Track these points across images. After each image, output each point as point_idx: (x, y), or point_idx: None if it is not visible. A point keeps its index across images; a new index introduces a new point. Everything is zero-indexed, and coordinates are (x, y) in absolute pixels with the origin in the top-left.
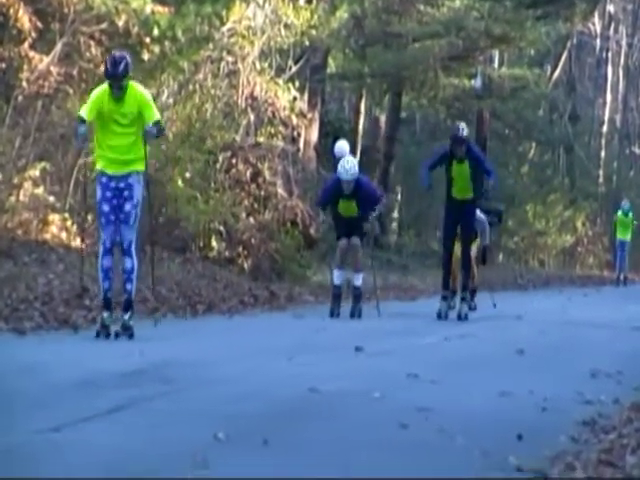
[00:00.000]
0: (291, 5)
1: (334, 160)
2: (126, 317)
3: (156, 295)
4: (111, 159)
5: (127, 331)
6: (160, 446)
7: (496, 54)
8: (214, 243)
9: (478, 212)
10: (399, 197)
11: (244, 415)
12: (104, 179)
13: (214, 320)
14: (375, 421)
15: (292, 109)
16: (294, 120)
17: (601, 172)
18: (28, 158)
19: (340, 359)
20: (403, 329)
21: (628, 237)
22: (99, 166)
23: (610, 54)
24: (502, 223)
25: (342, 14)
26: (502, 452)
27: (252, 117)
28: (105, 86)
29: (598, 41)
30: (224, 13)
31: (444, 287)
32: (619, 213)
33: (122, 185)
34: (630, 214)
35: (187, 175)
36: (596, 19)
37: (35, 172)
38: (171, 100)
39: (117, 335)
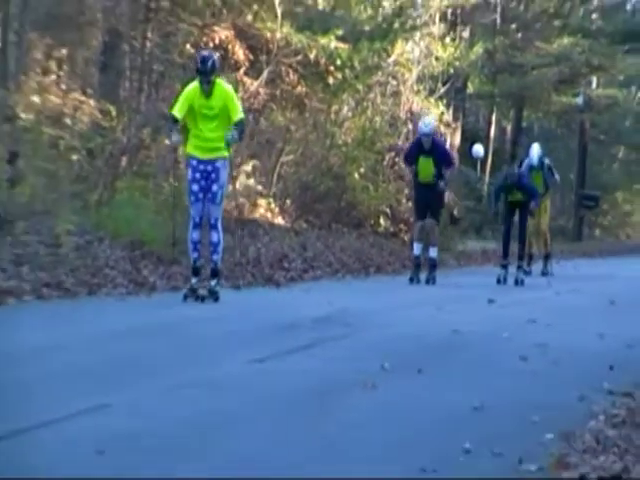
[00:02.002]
0: (440, 42)
1: (472, 159)
2: (212, 283)
3: (337, 260)
4: (200, 146)
5: (213, 295)
6: (341, 373)
7: (594, 79)
8: (382, 221)
9: (547, 160)
10: None
11: (404, 351)
12: (194, 162)
13: (381, 279)
14: (503, 355)
15: (440, 120)
16: (442, 129)
17: None
18: (242, 157)
19: (477, 308)
20: (525, 285)
21: None
22: (189, 151)
23: None
24: (598, 206)
25: (478, 49)
26: (598, 379)
27: (410, 126)
28: (195, 83)
29: None
30: (390, 48)
31: (504, 256)
32: None
33: (210, 168)
34: None
35: (361, 170)
36: None
37: (248, 167)
38: (350, 114)
39: (203, 299)
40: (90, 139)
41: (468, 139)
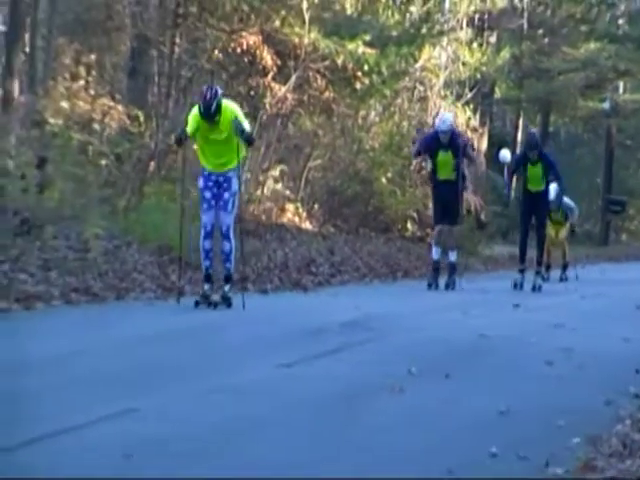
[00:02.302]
0: (467, 47)
1: (499, 164)
2: (226, 289)
3: (365, 264)
4: (211, 162)
5: (226, 301)
6: (369, 377)
7: (621, 84)
8: (409, 226)
9: (567, 199)
10: None
11: (431, 355)
12: (206, 172)
13: (409, 283)
14: (529, 359)
15: (468, 125)
16: (469, 133)
17: None
18: (270, 162)
19: (503, 313)
20: (549, 290)
21: None
22: (202, 162)
23: None
24: (625, 211)
25: (505, 54)
26: (624, 383)
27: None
28: (196, 110)
29: None
30: (417, 53)
31: (521, 261)
32: None
33: (221, 178)
34: None
35: (389, 175)
36: None
37: (275, 172)
38: (377, 119)
39: (216, 305)
40: (118, 144)
41: (495, 144)
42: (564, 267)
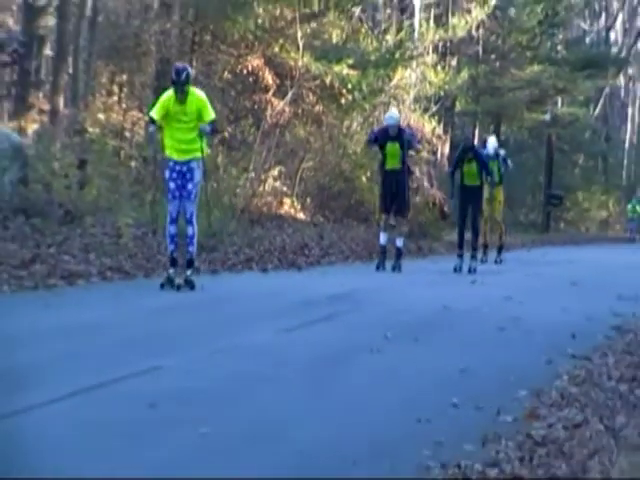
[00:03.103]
0: (432, 69)
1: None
2: (188, 272)
3: (348, 248)
4: (176, 148)
5: (189, 284)
6: (352, 341)
7: (559, 99)
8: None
9: (502, 151)
10: None
11: (402, 322)
12: (171, 163)
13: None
14: (484, 326)
15: (433, 133)
16: (434, 140)
17: (624, 173)
18: (270, 163)
19: (462, 288)
20: (500, 269)
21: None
22: (167, 153)
23: (630, 99)
24: (563, 204)
25: (464, 75)
26: (563, 346)
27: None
28: (170, 92)
29: (622, 91)
30: (391, 74)
31: (459, 247)
32: (633, 201)
33: (185, 169)
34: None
35: (368, 174)
36: (621, 77)
37: (274, 172)
38: (359, 128)
39: (179, 287)
40: (145, 149)
41: (455, 148)
42: (499, 249)
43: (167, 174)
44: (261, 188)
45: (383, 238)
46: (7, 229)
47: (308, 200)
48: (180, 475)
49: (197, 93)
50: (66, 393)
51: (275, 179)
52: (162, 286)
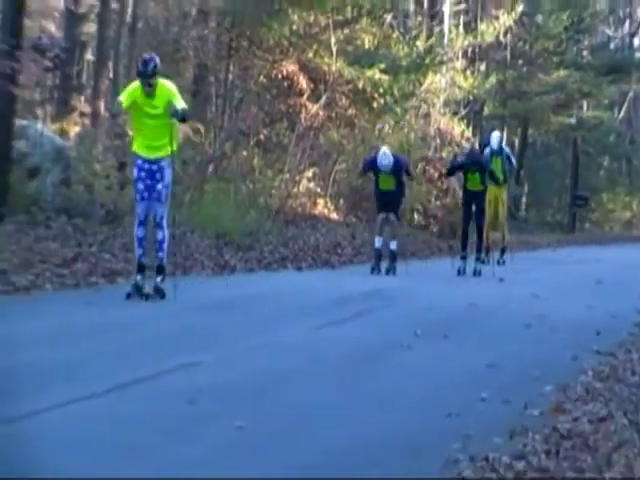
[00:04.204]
0: (462, 74)
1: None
2: (158, 280)
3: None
4: (145, 144)
5: (159, 293)
6: (383, 337)
7: (585, 103)
8: (415, 216)
9: (507, 148)
10: (526, 188)
11: (431, 320)
12: (139, 161)
13: (414, 262)
14: (511, 323)
15: (462, 136)
16: (463, 142)
17: None
18: (305, 165)
19: (489, 285)
20: (527, 266)
21: None
22: (134, 149)
23: None
24: (588, 204)
25: (492, 80)
26: (588, 342)
27: (438, 141)
28: (136, 84)
29: None
30: (422, 79)
31: (462, 249)
32: None
33: (154, 168)
34: None
35: None
36: None
37: (309, 173)
38: (390, 131)
39: (148, 297)
40: (183, 151)
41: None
42: (502, 251)
43: (135, 173)
44: (295, 189)
45: (378, 242)
46: (50, 229)
47: (341, 201)
48: (214, 473)
49: (166, 84)
50: (105, 389)
51: (309, 180)
52: (128, 296)
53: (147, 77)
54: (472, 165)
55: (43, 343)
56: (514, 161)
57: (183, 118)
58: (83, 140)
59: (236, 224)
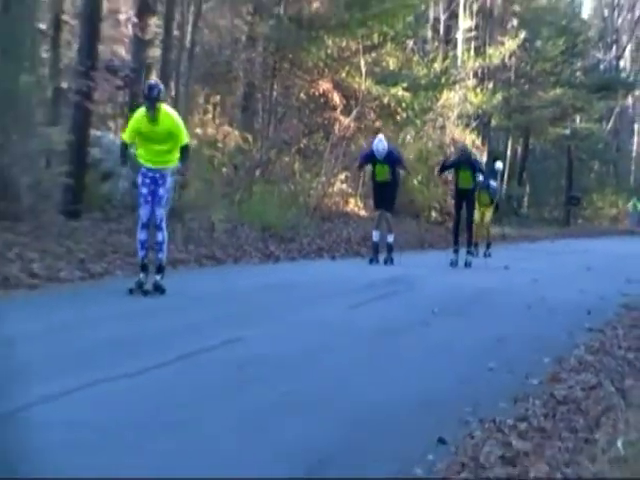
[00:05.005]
0: (472, 92)
1: (494, 171)
2: (157, 278)
3: (402, 239)
4: (150, 160)
5: (158, 290)
6: (406, 315)
7: (578, 116)
8: (433, 213)
9: (492, 182)
10: (527, 189)
11: (446, 300)
12: (144, 169)
13: (431, 253)
14: (515, 304)
15: (473, 144)
16: (474, 150)
17: (632, 177)
18: (338, 169)
19: (495, 273)
20: (528, 256)
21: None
22: (141, 161)
23: (637, 116)
24: (580, 203)
25: (498, 96)
26: (580, 320)
27: (452, 149)
28: (142, 110)
29: (630, 109)
30: (438, 95)
31: (454, 243)
32: (634, 199)
33: (157, 175)
34: None
35: (419, 178)
36: (630, 98)
37: (341, 176)
38: (411, 140)
39: (147, 293)
40: (235, 157)
41: (491, 157)
42: (488, 245)
43: (140, 179)
44: (330, 190)
45: (375, 236)
46: (121, 224)
47: (369, 200)
48: (263, 429)
49: (168, 111)
50: (173, 358)
51: (342, 182)
52: (131, 291)
53: (152, 101)
54: (464, 163)
55: (118, 322)
56: (495, 182)
57: (185, 158)
58: None
59: (279, 220)
